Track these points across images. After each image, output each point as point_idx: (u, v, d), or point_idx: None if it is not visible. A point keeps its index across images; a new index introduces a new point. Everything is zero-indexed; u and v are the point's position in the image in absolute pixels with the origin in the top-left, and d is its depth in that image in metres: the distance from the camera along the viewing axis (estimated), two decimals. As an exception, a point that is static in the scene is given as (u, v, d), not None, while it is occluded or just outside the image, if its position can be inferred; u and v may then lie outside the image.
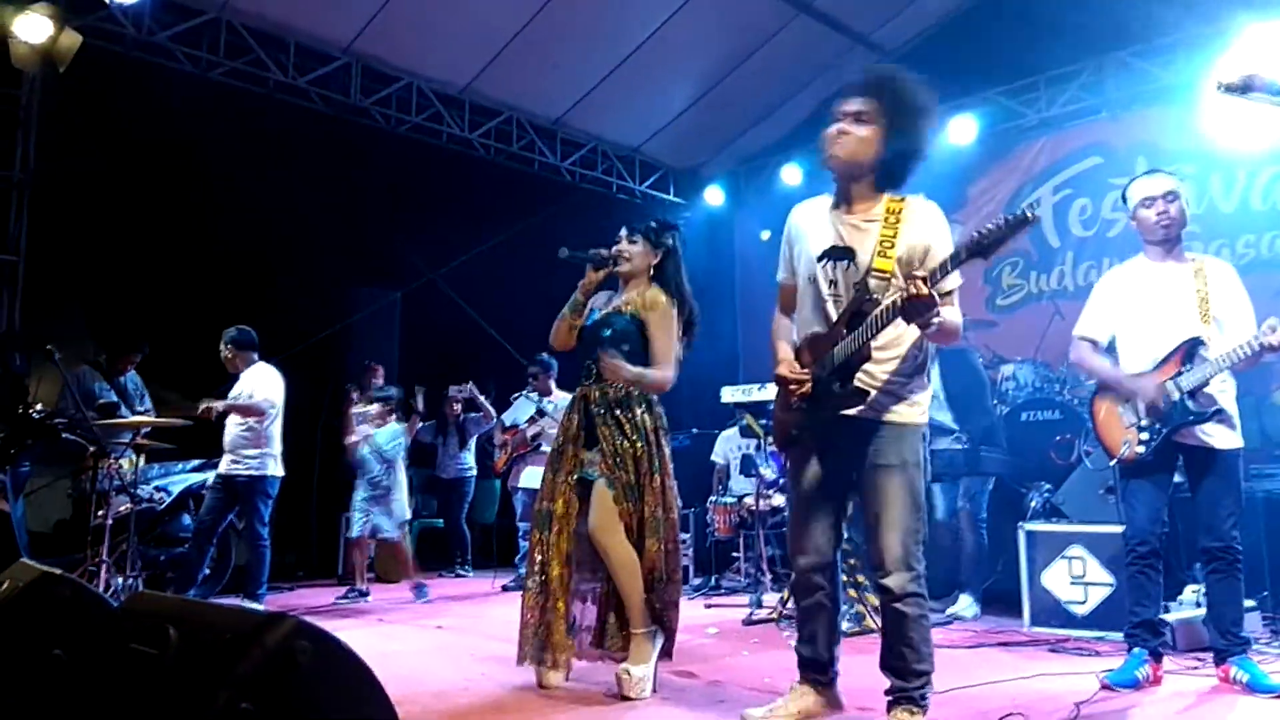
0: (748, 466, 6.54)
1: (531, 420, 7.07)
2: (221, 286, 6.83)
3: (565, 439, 3.58)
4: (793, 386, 2.80)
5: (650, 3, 7.38)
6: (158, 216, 6.73)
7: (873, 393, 2.72)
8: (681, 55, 7.88)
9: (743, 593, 6.03)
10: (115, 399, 5.99)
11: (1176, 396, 3.38)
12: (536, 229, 7.51)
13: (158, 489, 6.13)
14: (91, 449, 5.32)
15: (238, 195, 6.61)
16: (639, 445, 3.45)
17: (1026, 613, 4.77)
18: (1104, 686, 3.38)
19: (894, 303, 2.54)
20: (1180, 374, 3.40)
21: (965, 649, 4.30)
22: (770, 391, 6.15)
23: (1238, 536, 3.38)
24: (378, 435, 6.40)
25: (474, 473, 8.08)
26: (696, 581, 6.76)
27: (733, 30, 7.79)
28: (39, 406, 5.36)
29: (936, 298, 2.49)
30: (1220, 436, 3.40)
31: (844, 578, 3.65)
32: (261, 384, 5.71)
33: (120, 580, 5.01)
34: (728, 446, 7.29)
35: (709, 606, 5.80)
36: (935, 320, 2.54)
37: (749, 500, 6.32)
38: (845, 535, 3.03)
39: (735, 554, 6.77)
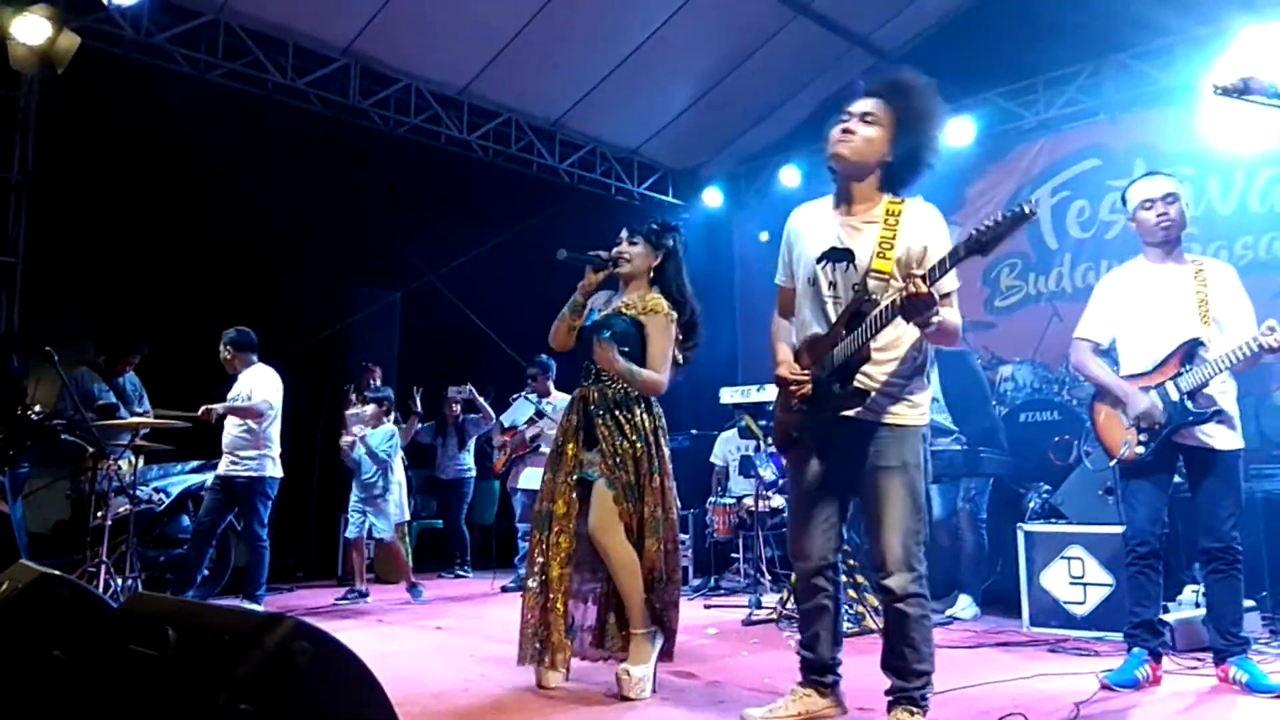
0: (747, 468, 6.54)
1: (530, 421, 7.07)
2: (220, 288, 6.83)
3: (564, 439, 3.58)
4: (793, 388, 2.80)
5: (649, 4, 7.38)
6: (157, 218, 6.73)
7: (872, 393, 2.73)
8: (680, 56, 7.88)
9: (742, 593, 6.03)
10: (114, 400, 5.98)
11: (1176, 397, 3.39)
12: (535, 230, 7.51)
13: (156, 490, 6.12)
14: (90, 450, 5.32)
15: (237, 197, 6.61)
16: (639, 445, 3.45)
17: (1026, 613, 4.77)
18: (1104, 686, 3.38)
19: (893, 302, 2.55)
20: (1180, 375, 3.41)
21: (965, 649, 4.30)
22: (769, 393, 6.17)
23: (1238, 537, 3.38)
24: (371, 436, 6.40)
25: (473, 474, 8.08)
26: (696, 582, 6.76)
27: (731, 31, 7.79)
28: (38, 408, 5.35)
29: (935, 296, 2.49)
30: (1220, 437, 3.40)
31: (844, 578, 3.65)
32: (260, 385, 5.71)
33: (119, 581, 5.01)
34: (727, 448, 7.29)
35: (708, 607, 5.80)
36: (934, 319, 2.54)
37: (748, 501, 6.33)
38: (845, 536, 3.03)
39: (734, 555, 6.77)
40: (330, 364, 8.01)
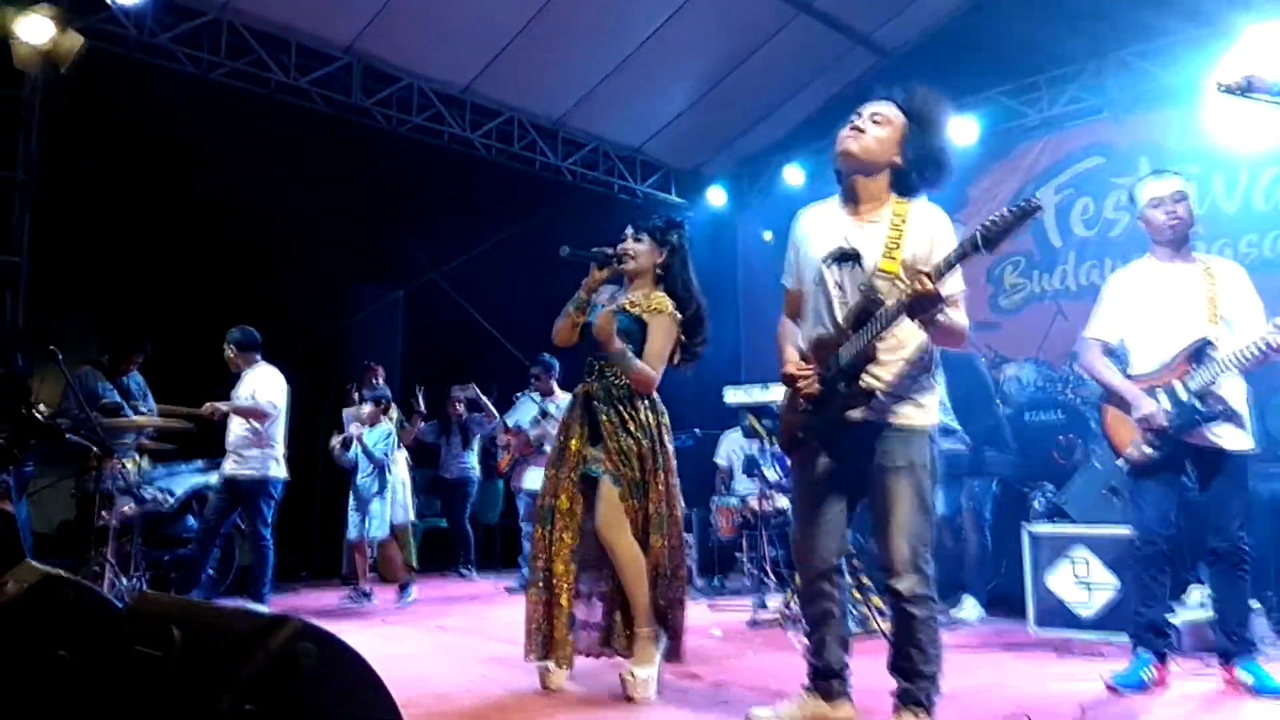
0: (751, 467, 6.53)
1: (535, 422, 7.07)
2: (224, 286, 6.84)
3: (567, 435, 3.57)
4: (800, 384, 2.79)
5: (651, 2, 7.37)
6: (160, 217, 6.74)
7: (879, 394, 2.72)
8: (683, 55, 7.87)
9: (746, 594, 6.02)
10: (119, 399, 5.98)
11: (1185, 397, 3.38)
12: (537, 229, 7.51)
13: (162, 490, 6.14)
14: (95, 450, 5.32)
15: (240, 196, 6.62)
16: (643, 442, 3.45)
17: (1031, 614, 4.75)
18: (1109, 688, 3.38)
19: (899, 300, 2.54)
20: (1188, 375, 3.39)
21: (970, 651, 4.30)
22: (773, 392, 6.17)
23: (1246, 538, 3.37)
24: (368, 435, 6.40)
25: (477, 473, 8.08)
26: (700, 583, 6.76)
27: (733, 30, 7.78)
28: (42, 407, 5.35)
29: (941, 293, 2.49)
30: (1230, 437, 3.39)
31: (848, 580, 3.64)
32: (264, 385, 5.71)
33: (124, 581, 5.01)
34: (731, 448, 7.29)
35: (713, 608, 5.79)
36: (940, 318, 2.53)
37: (752, 501, 6.32)
38: (849, 538, 3.02)
39: (739, 555, 6.76)
40: (333, 363, 8.03)
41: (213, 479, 5.99)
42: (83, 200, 6.50)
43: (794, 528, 3.01)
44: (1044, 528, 4.86)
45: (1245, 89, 2.51)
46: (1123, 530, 4.41)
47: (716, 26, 7.63)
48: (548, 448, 6.46)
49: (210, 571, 5.72)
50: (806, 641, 2.98)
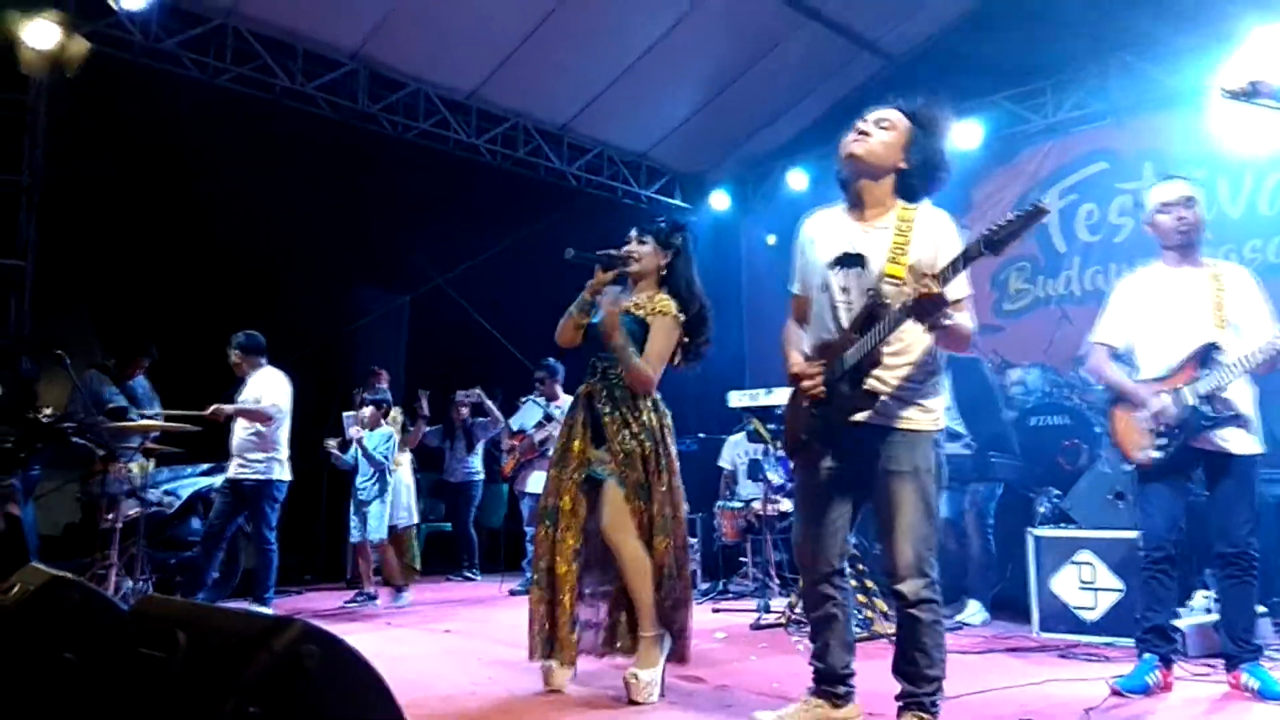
0: (755, 471, 6.53)
1: (539, 425, 7.07)
2: (229, 291, 6.86)
3: (570, 435, 3.58)
4: (805, 385, 2.79)
5: (656, 8, 7.38)
6: (166, 222, 6.76)
7: (883, 398, 2.72)
8: (687, 60, 7.88)
9: (750, 597, 6.02)
10: (124, 403, 6.00)
11: (1192, 402, 3.37)
12: (543, 234, 7.51)
13: (167, 493, 6.15)
14: (101, 453, 5.33)
15: (245, 200, 6.64)
16: (646, 444, 3.45)
17: (1035, 618, 4.75)
18: (1114, 692, 3.37)
19: (905, 304, 2.54)
20: (1196, 379, 3.39)
21: (974, 655, 4.29)
22: (777, 396, 6.17)
23: (1254, 543, 3.37)
24: (368, 438, 6.41)
25: (481, 477, 8.09)
26: (704, 586, 6.75)
27: (738, 35, 7.78)
28: (48, 411, 5.38)
29: (947, 296, 2.49)
30: (1237, 441, 3.38)
31: (852, 583, 3.63)
32: (269, 389, 5.73)
33: (129, 584, 5.03)
34: (735, 451, 7.28)
35: (716, 611, 5.79)
36: (946, 322, 2.53)
37: (756, 505, 6.32)
38: (853, 541, 3.02)
39: (742, 559, 6.76)
40: (338, 367, 8.04)
41: (217, 482, 6.00)
42: (88, 205, 6.52)
43: (796, 530, 3.00)
44: (1049, 531, 4.86)
45: (1250, 94, 2.51)
46: (1128, 534, 4.41)
47: (721, 32, 7.64)
48: (552, 451, 6.48)
49: (215, 574, 5.73)
50: (810, 645, 2.98)
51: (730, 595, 6.45)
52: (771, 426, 5.89)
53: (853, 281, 2.78)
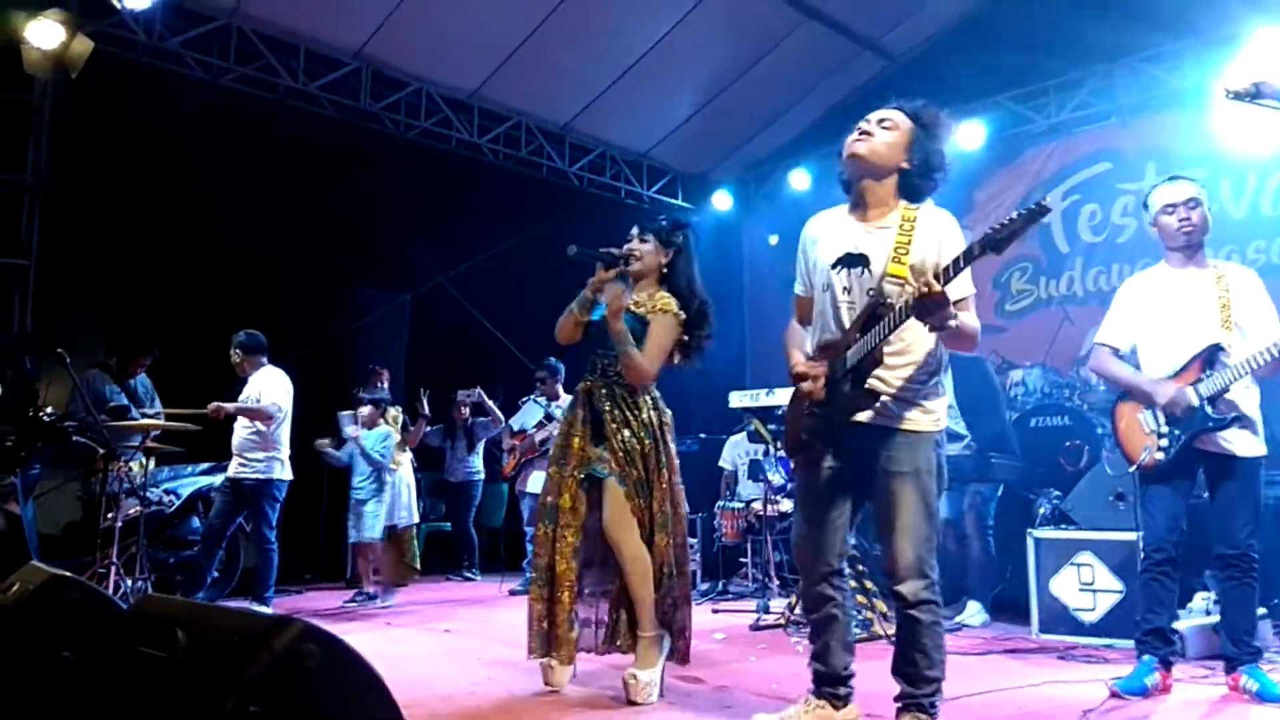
0: (755, 472, 6.53)
1: (540, 425, 7.08)
2: (230, 290, 6.87)
3: (570, 433, 3.58)
4: (806, 386, 2.79)
5: (658, 8, 7.38)
6: (168, 221, 6.77)
7: (884, 398, 2.71)
8: (689, 60, 7.88)
9: (750, 598, 6.02)
10: (126, 402, 6.01)
11: (1196, 403, 3.37)
12: (544, 234, 7.51)
13: (167, 492, 6.16)
14: (101, 452, 5.34)
15: (247, 200, 6.65)
16: (646, 442, 3.46)
17: (1035, 620, 4.74)
18: (1113, 694, 3.37)
19: (907, 303, 2.54)
20: (1200, 381, 3.38)
21: (974, 656, 4.28)
22: (778, 397, 6.16)
23: (1255, 545, 3.36)
24: (365, 438, 6.41)
25: (482, 477, 8.09)
26: (704, 586, 6.75)
27: (740, 35, 7.79)
28: (49, 409, 5.39)
29: (949, 295, 2.49)
30: (1241, 443, 3.38)
31: (852, 584, 3.63)
32: (270, 388, 5.74)
33: (129, 583, 5.03)
34: (735, 452, 7.28)
35: (716, 611, 5.79)
36: (948, 321, 2.53)
37: (757, 505, 6.32)
38: (853, 541, 3.01)
39: (743, 559, 6.76)
40: (339, 367, 8.04)
41: (218, 481, 6.00)
42: (91, 204, 6.53)
43: (796, 530, 3.00)
44: (1049, 533, 4.86)
45: (1253, 95, 2.52)
46: (1128, 535, 4.41)
47: (723, 32, 7.64)
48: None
49: (215, 573, 5.74)
50: (810, 646, 2.98)
51: (730, 596, 6.45)
52: (772, 427, 5.89)
53: (855, 281, 2.78)
